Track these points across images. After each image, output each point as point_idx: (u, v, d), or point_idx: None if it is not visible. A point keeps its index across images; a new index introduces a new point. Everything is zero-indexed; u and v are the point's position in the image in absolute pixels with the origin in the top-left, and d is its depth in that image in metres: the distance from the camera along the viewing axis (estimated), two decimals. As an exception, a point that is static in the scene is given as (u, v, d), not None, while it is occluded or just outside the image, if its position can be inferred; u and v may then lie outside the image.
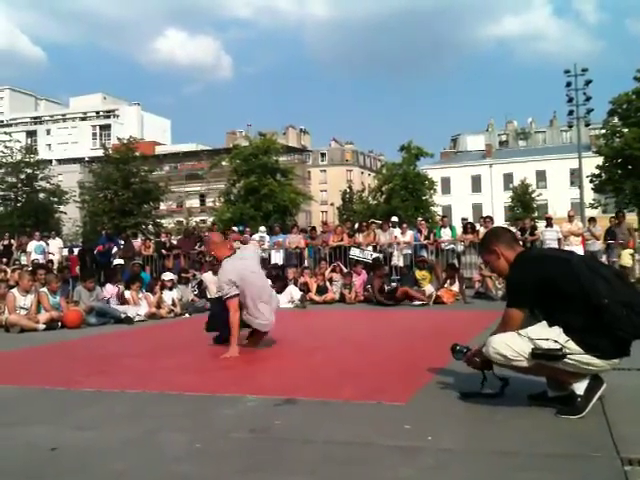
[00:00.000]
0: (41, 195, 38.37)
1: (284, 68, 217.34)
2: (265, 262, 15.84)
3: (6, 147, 37.58)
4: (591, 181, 34.25)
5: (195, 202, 60.29)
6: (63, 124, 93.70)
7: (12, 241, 17.93)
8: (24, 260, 16.15)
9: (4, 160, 37.45)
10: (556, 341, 2.98)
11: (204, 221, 30.79)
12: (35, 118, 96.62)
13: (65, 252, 18.60)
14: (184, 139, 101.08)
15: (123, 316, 9.51)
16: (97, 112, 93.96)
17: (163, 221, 37.22)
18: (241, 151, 36.05)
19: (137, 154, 36.20)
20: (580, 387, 3.04)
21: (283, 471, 2.42)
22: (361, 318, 10.04)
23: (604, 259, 13.72)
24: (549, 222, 15.27)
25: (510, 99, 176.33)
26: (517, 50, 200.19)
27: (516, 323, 3.17)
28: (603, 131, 35.63)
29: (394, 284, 12.52)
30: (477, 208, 54.88)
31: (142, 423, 3.21)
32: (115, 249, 16.16)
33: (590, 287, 2.95)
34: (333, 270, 13.25)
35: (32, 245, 16.61)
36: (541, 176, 59.73)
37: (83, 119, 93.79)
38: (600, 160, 33.44)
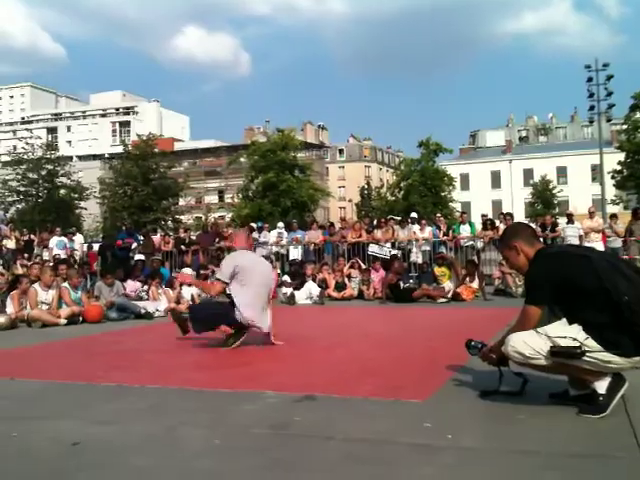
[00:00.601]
0: (62, 191, 38.74)
1: (302, 64, 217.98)
2: (283, 258, 15.93)
3: (27, 144, 38.05)
4: (612, 177, 33.88)
5: (214, 198, 60.50)
6: (83, 121, 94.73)
7: (32, 237, 18.15)
8: (46, 255, 16.37)
9: (25, 157, 37.95)
10: (575, 339, 2.94)
11: (222, 217, 30.79)
12: (55, 115, 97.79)
13: (85, 248, 18.80)
14: (203, 135, 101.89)
15: (143, 312, 9.60)
16: (117, 109, 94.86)
17: (182, 217, 37.38)
18: (259, 147, 36.06)
19: (156, 150, 36.39)
20: (602, 386, 2.99)
21: (302, 468, 2.42)
22: (379, 314, 10.03)
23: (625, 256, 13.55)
24: (570, 219, 15.14)
25: (530, 94, 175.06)
26: (537, 45, 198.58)
27: (534, 320, 3.13)
28: (625, 126, 35.21)
29: (412, 281, 12.49)
30: (497, 204, 54.33)
31: (162, 418, 3.23)
32: (134, 244, 16.33)
33: (610, 284, 2.90)
34: (351, 266, 13.23)
35: (54, 241, 16.92)
36: (562, 172, 59.03)
37: (103, 116, 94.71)
38: (622, 156, 33.04)
